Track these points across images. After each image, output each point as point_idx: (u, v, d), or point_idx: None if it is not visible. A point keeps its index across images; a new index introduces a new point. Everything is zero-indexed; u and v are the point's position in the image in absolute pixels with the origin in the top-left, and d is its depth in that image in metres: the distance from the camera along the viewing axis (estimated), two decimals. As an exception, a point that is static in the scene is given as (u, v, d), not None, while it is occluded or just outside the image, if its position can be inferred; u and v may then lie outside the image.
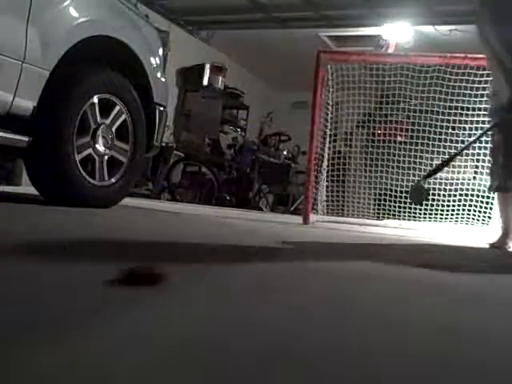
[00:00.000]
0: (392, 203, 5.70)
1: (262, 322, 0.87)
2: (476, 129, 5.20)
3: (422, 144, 5.62)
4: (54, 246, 1.56)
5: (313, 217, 4.93)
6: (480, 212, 5.35)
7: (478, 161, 5.33)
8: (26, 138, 2.92)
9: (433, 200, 5.32)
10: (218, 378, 0.59)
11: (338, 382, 0.62)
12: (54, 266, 1.23)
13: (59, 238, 1.77)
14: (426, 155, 5.55)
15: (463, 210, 5.44)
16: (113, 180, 3.46)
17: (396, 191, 5.68)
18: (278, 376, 0.61)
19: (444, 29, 8.75)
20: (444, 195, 5.51)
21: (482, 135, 4.01)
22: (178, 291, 1.07)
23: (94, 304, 0.88)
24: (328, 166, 5.54)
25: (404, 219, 5.55)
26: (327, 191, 5.62)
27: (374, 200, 6.11)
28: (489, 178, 3.50)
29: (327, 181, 5.59)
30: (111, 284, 1.00)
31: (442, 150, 5.47)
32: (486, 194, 5.07)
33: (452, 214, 5.48)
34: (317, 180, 5.18)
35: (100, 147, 3.34)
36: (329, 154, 5.52)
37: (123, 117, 3.49)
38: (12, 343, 0.63)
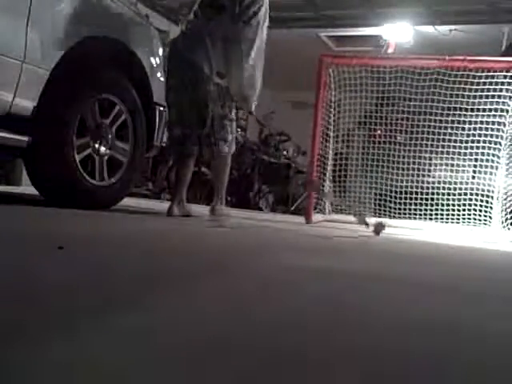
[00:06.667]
0: (392, 203, 5.70)
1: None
2: (475, 129, 5.21)
3: (421, 145, 5.62)
4: (51, 245, 1.57)
5: (315, 216, 4.93)
6: (480, 212, 5.35)
7: (476, 160, 5.34)
8: (25, 138, 2.92)
9: (432, 200, 5.33)
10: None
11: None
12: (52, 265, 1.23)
13: (56, 238, 1.77)
14: (426, 155, 5.57)
15: (463, 210, 5.44)
16: (113, 180, 3.46)
17: (396, 191, 5.69)
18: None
19: (444, 29, 8.75)
20: (443, 194, 5.51)
21: None
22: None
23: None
24: (329, 166, 5.55)
25: (404, 219, 5.55)
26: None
27: (374, 200, 6.12)
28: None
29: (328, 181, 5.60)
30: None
31: (440, 149, 5.48)
32: (486, 193, 5.08)
33: (452, 214, 5.48)
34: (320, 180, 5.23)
35: (100, 147, 3.34)
36: (331, 155, 5.54)
37: (123, 117, 3.49)
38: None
